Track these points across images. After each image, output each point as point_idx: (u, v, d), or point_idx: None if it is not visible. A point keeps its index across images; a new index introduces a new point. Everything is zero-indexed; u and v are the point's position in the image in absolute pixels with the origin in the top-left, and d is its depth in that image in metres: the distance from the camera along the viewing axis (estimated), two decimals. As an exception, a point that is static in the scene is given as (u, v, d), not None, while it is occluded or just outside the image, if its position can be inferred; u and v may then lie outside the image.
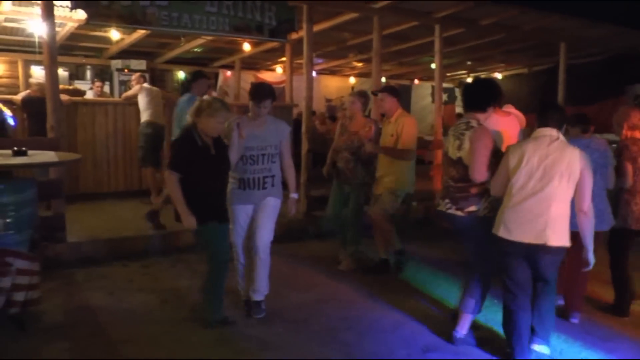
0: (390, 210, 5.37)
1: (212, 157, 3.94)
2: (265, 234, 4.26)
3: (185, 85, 6.44)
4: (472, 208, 3.71)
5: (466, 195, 3.72)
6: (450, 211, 3.79)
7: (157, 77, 13.01)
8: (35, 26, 8.16)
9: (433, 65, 8.76)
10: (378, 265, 5.57)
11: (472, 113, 3.84)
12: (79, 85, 11.29)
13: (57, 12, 6.54)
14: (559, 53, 9.93)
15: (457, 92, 16.52)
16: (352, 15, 8.06)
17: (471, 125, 3.73)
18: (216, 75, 13.53)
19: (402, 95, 5.56)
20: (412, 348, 3.84)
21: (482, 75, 15.35)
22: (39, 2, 5.66)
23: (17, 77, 11.67)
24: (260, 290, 4.32)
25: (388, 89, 5.56)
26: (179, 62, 13.14)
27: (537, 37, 9.68)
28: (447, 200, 3.83)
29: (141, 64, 12.12)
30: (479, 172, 3.63)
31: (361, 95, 5.59)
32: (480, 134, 3.66)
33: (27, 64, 11.44)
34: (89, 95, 10.24)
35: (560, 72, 9.91)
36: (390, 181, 5.33)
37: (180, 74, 13.72)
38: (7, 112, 6.80)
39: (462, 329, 3.88)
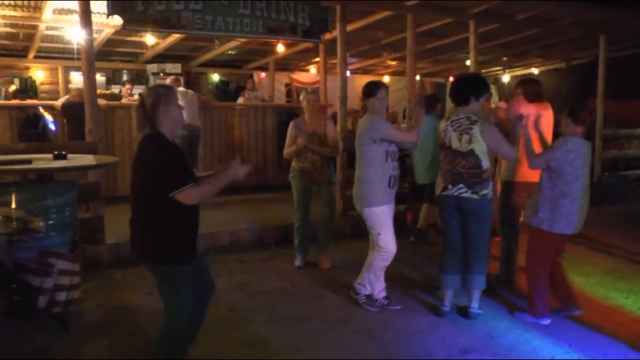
0: None
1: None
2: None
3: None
4: (485, 191, 4.14)
5: (480, 180, 4.13)
6: (465, 195, 4.16)
7: (192, 80, 13.19)
8: (74, 33, 8.38)
9: (468, 62, 8.66)
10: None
11: (462, 107, 4.21)
12: (115, 89, 11.53)
13: (95, 19, 6.69)
14: (598, 46, 9.68)
15: (493, 89, 16.26)
16: (386, 14, 8.01)
17: (473, 120, 4.12)
18: (250, 77, 13.63)
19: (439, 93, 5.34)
20: (450, 349, 3.78)
21: (519, 71, 15.10)
22: (78, 10, 5.78)
23: (57, 83, 11.99)
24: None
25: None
26: (214, 64, 13.29)
27: (576, 31, 9.46)
28: (460, 185, 4.18)
29: (176, 68, 12.30)
30: (509, 152, 4.21)
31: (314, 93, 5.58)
32: (489, 127, 4.13)
33: (67, 70, 11.74)
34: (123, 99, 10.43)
35: (600, 65, 9.65)
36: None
37: (215, 77, 13.86)
38: (49, 118, 6.99)
39: (476, 304, 4.31)
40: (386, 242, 4.37)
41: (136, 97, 11.10)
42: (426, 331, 4.07)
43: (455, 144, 4.18)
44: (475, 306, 4.29)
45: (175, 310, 3.03)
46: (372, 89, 4.45)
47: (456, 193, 4.19)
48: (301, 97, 5.61)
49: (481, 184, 4.12)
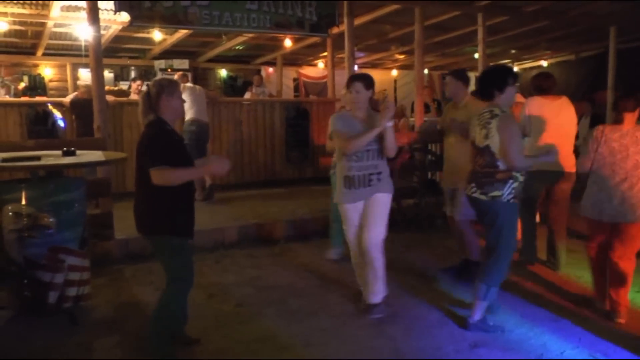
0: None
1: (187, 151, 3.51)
2: (373, 233, 4.14)
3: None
4: (496, 193, 3.82)
5: (491, 181, 3.84)
6: (474, 195, 3.93)
7: (199, 76, 13.21)
8: (81, 30, 8.41)
9: (476, 55, 8.61)
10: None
11: (490, 102, 3.95)
12: (123, 85, 11.57)
13: (102, 15, 6.72)
14: (608, 38, 9.59)
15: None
16: (393, 7, 7.99)
17: (495, 113, 3.82)
18: (258, 72, 13.62)
19: (468, 80, 5.14)
20: (459, 343, 3.77)
21: (527, 63, 15.01)
22: (85, 7, 5.79)
23: (66, 80, 12.05)
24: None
25: (453, 72, 5.23)
26: (221, 60, 13.30)
27: (585, 22, 9.39)
28: (472, 185, 3.96)
29: (184, 64, 12.32)
30: (516, 159, 3.73)
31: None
32: (506, 122, 3.78)
33: (75, 67, 11.79)
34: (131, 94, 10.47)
35: (610, 57, 9.57)
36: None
37: (223, 72, 13.87)
38: (57, 114, 7.03)
39: (477, 315, 3.95)
40: (347, 240, 4.38)
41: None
42: (435, 326, 4.06)
43: (476, 140, 3.96)
44: (474, 317, 3.95)
45: (175, 281, 3.37)
46: (347, 82, 4.30)
47: (469, 192, 4.00)
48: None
49: (492, 184, 3.82)
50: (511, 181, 3.80)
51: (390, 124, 3.95)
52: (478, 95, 4.22)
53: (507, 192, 3.80)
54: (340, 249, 5.55)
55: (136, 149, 3.32)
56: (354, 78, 4.19)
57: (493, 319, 4.02)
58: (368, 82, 4.14)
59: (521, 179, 3.84)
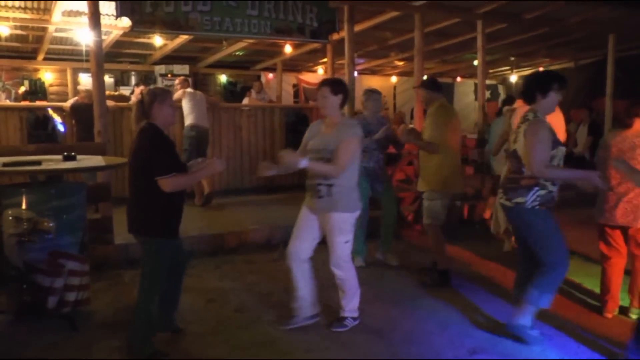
0: (432, 216, 5.04)
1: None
2: (334, 256, 4.01)
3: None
4: (520, 199, 3.75)
5: (515, 187, 3.79)
6: (501, 201, 3.92)
7: (199, 81, 13.22)
8: (82, 35, 8.43)
9: (476, 62, 8.64)
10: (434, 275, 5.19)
11: (530, 106, 3.89)
12: (124, 90, 11.58)
13: (103, 20, 6.72)
14: (607, 45, 9.62)
15: (501, 89, 16.23)
16: (393, 14, 8.01)
17: (527, 117, 3.79)
18: (258, 78, 13.65)
19: (442, 87, 5.24)
20: (458, 350, 3.78)
21: (527, 70, 15.04)
22: (87, 12, 5.81)
23: (66, 85, 12.06)
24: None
25: (423, 84, 5.35)
26: (221, 66, 13.32)
27: (584, 30, 9.43)
28: (500, 190, 3.99)
29: (184, 69, 12.34)
30: (536, 166, 3.60)
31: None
32: (534, 128, 3.68)
33: (76, 71, 11.80)
34: (132, 99, 10.48)
35: (608, 65, 9.60)
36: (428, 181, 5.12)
37: (223, 78, 13.89)
38: (58, 119, 7.04)
39: (521, 319, 3.84)
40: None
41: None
42: (434, 332, 4.07)
43: (510, 144, 3.97)
44: (516, 319, 3.84)
45: (148, 277, 3.60)
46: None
47: (499, 199, 3.99)
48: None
49: (516, 190, 3.77)
50: (536, 188, 3.71)
51: (304, 162, 3.72)
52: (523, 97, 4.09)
53: (531, 198, 3.71)
54: (362, 257, 5.59)
55: (131, 152, 3.54)
56: (321, 82, 4.09)
57: (536, 331, 3.87)
58: (336, 87, 3.98)
59: (551, 187, 3.72)
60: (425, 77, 5.66)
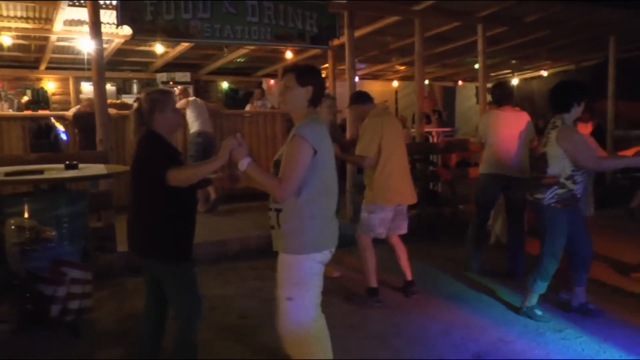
0: (365, 229, 4.78)
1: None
2: (282, 318, 2.86)
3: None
4: (539, 195, 4.22)
5: (537, 184, 4.27)
6: (527, 196, 4.40)
7: (201, 88, 13.24)
8: (84, 44, 8.45)
9: (477, 66, 8.64)
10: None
11: (558, 114, 4.23)
12: (126, 98, 11.60)
13: (104, 29, 6.75)
14: (608, 47, 9.62)
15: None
16: (394, 19, 8.02)
17: (556, 124, 4.16)
18: (259, 85, 13.66)
19: (369, 97, 4.96)
20: (462, 354, 3.77)
21: (528, 73, 15.05)
22: (88, 21, 5.84)
23: (68, 94, 12.08)
24: None
25: (350, 98, 5.12)
26: (223, 72, 13.34)
27: (585, 32, 9.42)
28: (527, 188, 4.44)
29: (185, 76, 12.36)
30: (592, 162, 4.10)
31: None
32: (565, 133, 4.07)
33: (78, 80, 11.83)
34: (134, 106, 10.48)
35: (609, 66, 9.61)
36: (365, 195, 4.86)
37: (224, 85, 13.92)
38: (60, 128, 7.05)
39: (527, 302, 4.37)
40: None
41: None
42: (438, 336, 4.05)
43: (539, 147, 4.39)
44: (525, 303, 4.40)
45: (185, 309, 3.10)
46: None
47: (527, 195, 4.42)
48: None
49: (537, 187, 4.25)
50: (556, 187, 4.14)
51: (245, 162, 2.69)
52: (551, 105, 4.31)
53: (549, 195, 4.16)
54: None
55: (132, 164, 3.07)
56: (286, 68, 3.07)
57: (541, 310, 4.37)
58: (306, 76, 2.90)
59: (571, 186, 4.13)
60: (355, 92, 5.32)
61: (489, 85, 7.75)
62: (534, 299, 4.35)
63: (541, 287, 4.30)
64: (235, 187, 3.24)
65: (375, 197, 4.70)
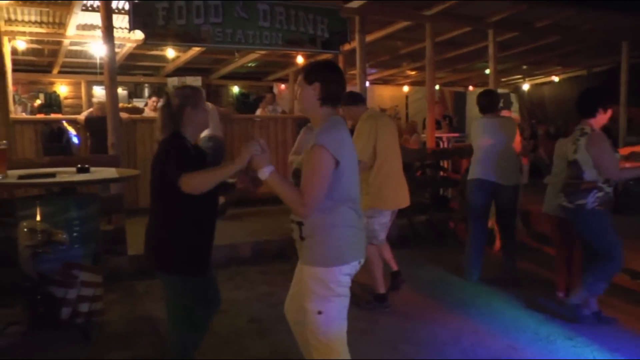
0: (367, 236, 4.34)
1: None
2: (309, 329, 2.73)
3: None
4: (581, 201, 4.20)
5: (576, 191, 4.24)
6: (563, 204, 4.35)
7: (212, 93, 13.27)
8: (96, 48, 8.53)
9: (487, 71, 8.61)
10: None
11: (585, 120, 4.30)
12: (137, 102, 11.67)
13: (117, 33, 6.80)
14: (620, 52, 9.56)
15: (513, 98, 16.16)
16: (404, 24, 8.02)
17: (585, 131, 4.21)
18: (271, 89, 13.69)
19: (361, 98, 4.98)
20: (472, 360, 3.75)
21: (539, 79, 14.98)
22: (100, 26, 5.89)
23: (80, 98, 12.17)
24: None
25: (345, 101, 4.78)
26: (234, 77, 13.37)
27: (597, 37, 9.37)
28: (562, 195, 4.39)
29: (197, 81, 12.39)
30: (610, 172, 4.13)
31: None
32: (595, 140, 4.14)
33: (90, 84, 11.90)
34: (146, 111, 10.54)
35: (622, 72, 9.54)
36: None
37: (235, 89, 13.96)
38: (72, 131, 7.10)
39: (577, 299, 4.31)
40: None
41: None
42: (447, 343, 4.03)
43: (568, 154, 4.36)
44: (573, 300, 4.33)
45: (181, 326, 2.92)
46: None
47: (560, 202, 4.41)
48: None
49: (576, 194, 4.23)
50: (595, 191, 4.16)
51: (268, 170, 2.59)
52: (578, 110, 4.38)
53: (591, 200, 4.17)
54: None
55: (150, 170, 2.90)
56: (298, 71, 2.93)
57: (588, 311, 4.32)
58: (312, 73, 2.71)
59: (607, 189, 4.18)
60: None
61: (500, 90, 7.74)
62: (583, 297, 4.29)
63: (599, 288, 4.26)
64: (257, 190, 3.08)
65: (373, 202, 4.63)
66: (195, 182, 2.69)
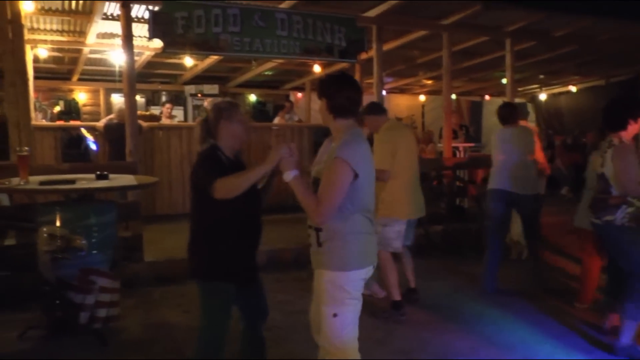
0: (382, 244, 4.50)
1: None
2: (322, 331, 2.83)
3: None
4: (609, 217, 3.95)
5: (604, 206, 4.01)
6: (592, 219, 4.13)
7: (229, 101, 13.34)
8: (116, 56, 8.63)
9: (504, 81, 8.58)
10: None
11: (614, 133, 4.04)
12: (154, 110, 11.79)
13: (136, 42, 6.87)
14: (638, 62, 9.48)
15: (530, 107, 16.07)
16: (421, 33, 8.03)
17: (613, 143, 3.98)
18: (287, 97, 13.74)
19: (383, 109, 5.01)
20: (489, 371, 3.72)
21: (556, 89, 14.88)
22: (120, 34, 5.96)
23: (99, 105, 12.31)
24: None
25: (368, 110, 4.92)
26: (251, 85, 13.45)
27: (615, 47, 9.30)
28: (591, 210, 4.17)
29: (214, 89, 12.48)
30: (629, 187, 3.85)
31: None
32: (620, 152, 3.91)
33: (108, 92, 12.05)
34: (162, 119, 10.61)
35: (641, 83, 9.46)
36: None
37: (252, 97, 14.03)
38: (90, 138, 7.19)
39: (626, 338, 3.90)
40: None
41: (177, 118, 11.32)
42: (465, 354, 4.00)
43: (596, 167, 4.17)
44: (623, 341, 3.90)
45: (203, 332, 2.99)
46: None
47: (590, 217, 4.18)
48: None
49: (605, 209, 3.98)
50: (625, 206, 3.90)
51: (293, 174, 2.69)
52: (605, 124, 4.20)
53: (620, 216, 3.91)
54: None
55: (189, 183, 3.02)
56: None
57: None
58: (320, 88, 2.89)
59: (638, 204, 3.89)
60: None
61: (517, 100, 7.70)
62: (630, 332, 3.90)
63: (637, 314, 3.91)
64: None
65: (390, 211, 4.67)
66: (227, 186, 2.77)
